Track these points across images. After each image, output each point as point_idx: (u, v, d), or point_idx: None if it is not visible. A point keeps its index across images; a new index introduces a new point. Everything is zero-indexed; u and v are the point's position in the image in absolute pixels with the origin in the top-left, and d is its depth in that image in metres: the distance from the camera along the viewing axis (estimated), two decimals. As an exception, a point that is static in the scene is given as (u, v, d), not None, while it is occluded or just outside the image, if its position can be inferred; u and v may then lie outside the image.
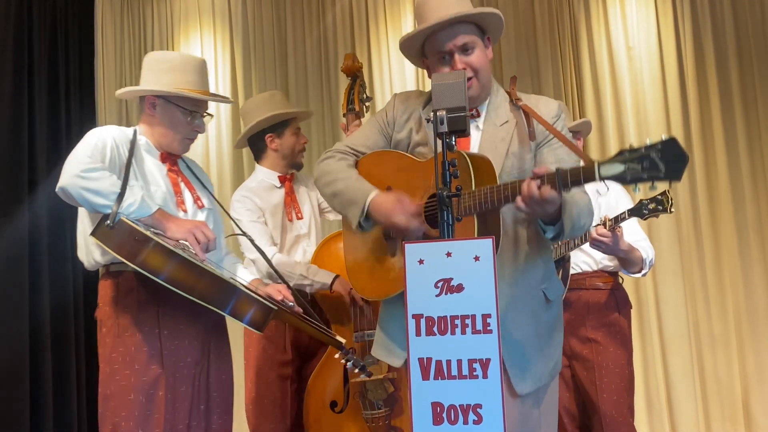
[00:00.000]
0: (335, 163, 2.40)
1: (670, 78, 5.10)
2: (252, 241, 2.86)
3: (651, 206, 3.16)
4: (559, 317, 2.38)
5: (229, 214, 2.81)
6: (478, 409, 1.62)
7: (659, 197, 3.15)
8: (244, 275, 2.79)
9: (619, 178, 1.78)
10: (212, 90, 5.69)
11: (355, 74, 3.75)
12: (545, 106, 2.32)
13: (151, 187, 2.54)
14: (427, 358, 1.67)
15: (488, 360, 1.64)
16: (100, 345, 2.52)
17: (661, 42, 5.14)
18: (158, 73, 2.62)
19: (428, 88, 2.08)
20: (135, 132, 2.60)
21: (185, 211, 2.61)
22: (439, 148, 1.85)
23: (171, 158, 2.66)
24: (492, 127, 2.28)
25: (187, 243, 2.40)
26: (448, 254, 1.72)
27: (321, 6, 5.71)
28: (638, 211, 3.18)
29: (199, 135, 2.75)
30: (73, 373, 5.05)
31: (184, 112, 2.61)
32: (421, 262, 1.73)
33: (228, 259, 2.85)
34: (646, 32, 5.17)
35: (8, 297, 4.69)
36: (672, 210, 3.16)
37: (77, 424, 5.04)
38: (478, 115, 2.32)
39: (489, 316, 1.66)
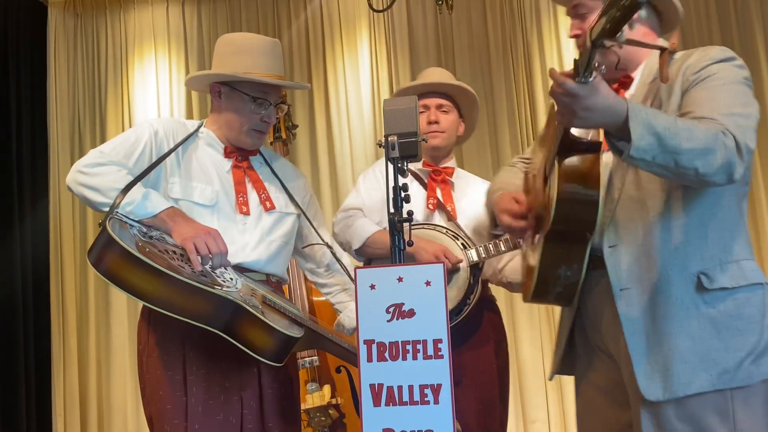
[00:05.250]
0: None
1: (621, 100, 5.19)
2: (334, 253, 2.50)
3: None
4: (739, 314, 1.84)
5: (310, 222, 2.45)
6: (429, 435, 1.63)
7: None
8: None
9: None
10: (182, 107, 5.63)
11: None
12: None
13: (197, 185, 2.27)
14: (378, 383, 1.67)
15: (439, 385, 1.65)
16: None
17: (611, 65, 5.23)
18: (223, 56, 2.33)
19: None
20: (201, 125, 2.38)
21: (246, 213, 2.30)
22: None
23: (239, 153, 2.36)
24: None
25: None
26: (400, 279, 1.72)
27: (277, 28, 5.71)
28: None
29: None
30: (21, 378, 4.91)
31: (249, 99, 2.30)
32: (372, 287, 1.73)
33: (337, 294, 2.56)
34: (597, 55, 5.26)
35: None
36: None
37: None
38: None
39: (440, 341, 1.67)
